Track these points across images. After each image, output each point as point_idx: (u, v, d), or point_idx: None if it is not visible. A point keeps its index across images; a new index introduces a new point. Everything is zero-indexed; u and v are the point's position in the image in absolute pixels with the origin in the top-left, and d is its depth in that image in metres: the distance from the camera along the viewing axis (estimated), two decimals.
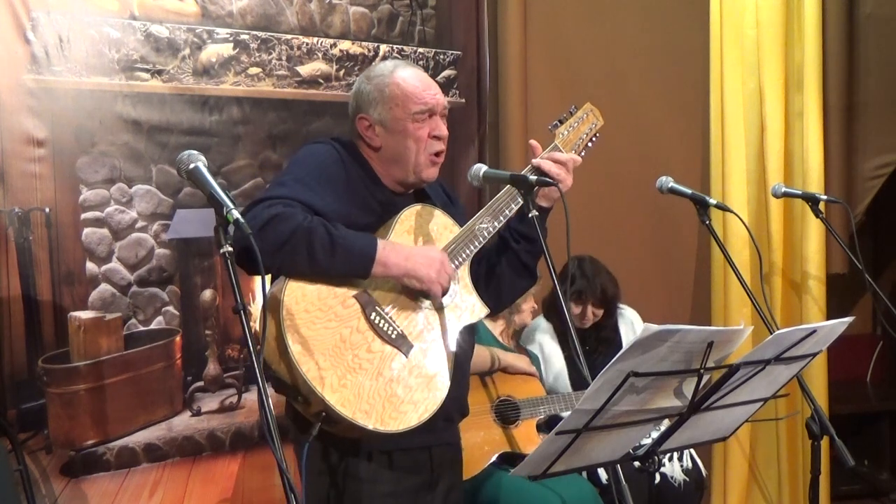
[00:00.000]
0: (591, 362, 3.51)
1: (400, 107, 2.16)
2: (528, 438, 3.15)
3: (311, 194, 2.05)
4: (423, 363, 2.08)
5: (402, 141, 2.16)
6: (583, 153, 2.41)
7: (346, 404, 1.94)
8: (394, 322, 2.07)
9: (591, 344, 3.60)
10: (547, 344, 3.58)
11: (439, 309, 2.14)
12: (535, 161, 2.25)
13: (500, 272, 2.32)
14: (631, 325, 3.66)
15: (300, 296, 1.99)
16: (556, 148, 2.34)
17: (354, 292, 2.05)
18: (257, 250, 1.66)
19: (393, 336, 2.05)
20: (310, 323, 1.97)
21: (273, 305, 1.96)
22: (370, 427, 1.95)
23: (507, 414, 3.18)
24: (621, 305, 3.68)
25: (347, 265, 2.01)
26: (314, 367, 1.94)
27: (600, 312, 3.57)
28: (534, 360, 3.46)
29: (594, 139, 2.47)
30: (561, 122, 2.40)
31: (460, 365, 2.18)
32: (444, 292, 2.12)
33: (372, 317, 2.05)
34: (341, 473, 2.13)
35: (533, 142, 2.32)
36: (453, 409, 2.24)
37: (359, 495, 2.13)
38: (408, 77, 2.19)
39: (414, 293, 2.11)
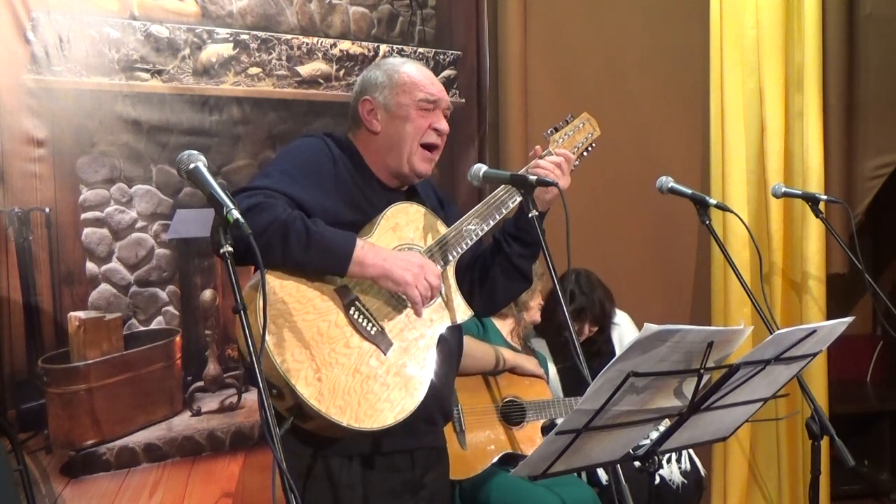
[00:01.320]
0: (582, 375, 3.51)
1: (407, 93, 2.17)
2: (532, 441, 3.14)
3: (296, 187, 2.04)
4: (402, 362, 2.05)
5: (402, 127, 2.16)
6: (577, 161, 2.40)
7: (320, 399, 1.91)
8: (374, 318, 2.06)
9: (584, 357, 3.58)
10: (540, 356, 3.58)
11: (422, 317, 2.12)
12: (530, 166, 2.24)
13: (494, 276, 2.31)
14: (622, 334, 3.65)
15: (278, 286, 1.97)
16: (550, 154, 2.33)
17: (335, 286, 2.04)
18: (257, 249, 1.66)
19: (372, 332, 2.04)
20: (286, 314, 1.95)
21: (250, 295, 1.95)
22: (344, 423, 1.93)
23: (512, 415, 3.17)
24: (615, 311, 3.69)
25: (323, 262, 1.99)
26: (289, 358, 1.91)
27: (595, 329, 3.58)
28: (541, 360, 3.45)
29: (590, 148, 2.47)
30: (556, 130, 2.40)
31: (442, 367, 2.15)
32: (425, 299, 2.07)
33: (351, 312, 2.03)
34: (320, 477, 2.10)
35: (537, 147, 2.32)
36: (435, 411, 2.22)
37: (338, 499, 2.11)
38: (418, 70, 2.23)
39: (397, 294, 2.09)
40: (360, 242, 2.02)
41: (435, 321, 2.14)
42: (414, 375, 2.06)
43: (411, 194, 2.28)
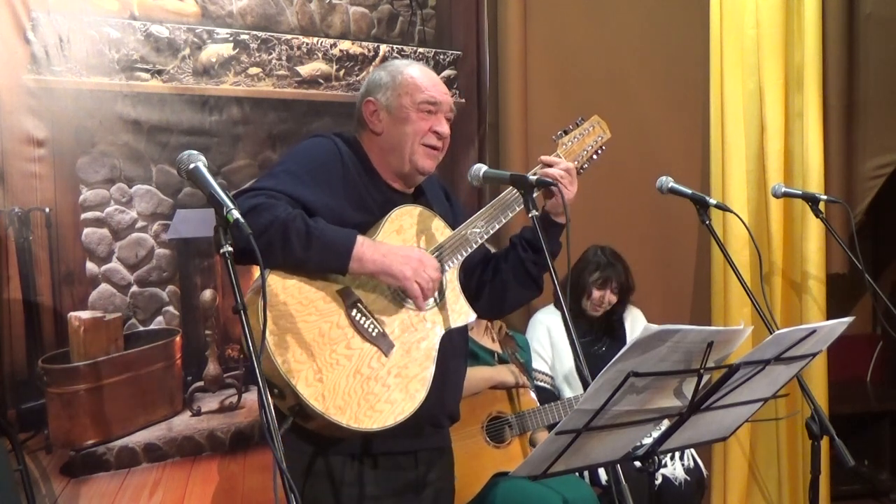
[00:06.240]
0: (595, 352, 3.53)
1: (408, 95, 2.18)
2: (523, 455, 3.11)
3: (300, 187, 2.04)
4: (402, 363, 2.06)
5: (402, 128, 2.17)
6: (587, 165, 2.40)
7: (319, 399, 1.93)
8: (376, 320, 2.06)
9: (597, 333, 3.61)
10: (556, 328, 3.57)
11: (424, 310, 2.13)
12: (540, 171, 2.23)
13: (506, 280, 2.32)
14: (634, 321, 3.67)
15: (281, 287, 1.98)
16: (558, 158, 2.32)
17: (337, 287, 2.05)
18: (257, 249, 1.66)
19: (374, 334, 2.05)
20: (288, 315, 1.96)
21: (252, 299, 1.96)
22: (343, 423, 1.94)
23: (498, 432, 3.14)
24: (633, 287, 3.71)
25: (323, 259, 2.00)
26: (290, 359, 1.93)
27: (615, 300, 3.60)
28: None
29: (600, 151, 2.45)
30: (565, 133, 2.39)
31: (446, 368, 2.15)
32: (426, 292, 2.07)
33: (353, 313, 2.04)
34: (322, 475, 2.11)
35: (543, 157, 2.31)
36: (440, 413, 2.22)
37: (342, 498, 2.12)
38: (421, 72, 2.23)
39: (399, 293, 2.10)
40: (359, 239, 2.03)
41: (437, 324, 2.14)
42: (415, 377, 2.06)
43: (418, 196, 2.28)
